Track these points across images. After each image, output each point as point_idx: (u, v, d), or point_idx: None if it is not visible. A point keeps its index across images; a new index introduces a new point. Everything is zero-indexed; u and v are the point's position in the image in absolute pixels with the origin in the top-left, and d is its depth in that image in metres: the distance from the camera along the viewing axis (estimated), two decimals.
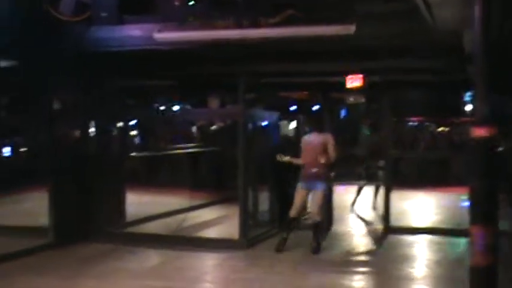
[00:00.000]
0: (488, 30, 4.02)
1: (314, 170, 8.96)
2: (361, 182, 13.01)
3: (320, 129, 9.17)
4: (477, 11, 4.01)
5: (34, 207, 9.72)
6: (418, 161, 17.78)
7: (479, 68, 4.02)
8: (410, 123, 22.30)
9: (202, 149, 15.96)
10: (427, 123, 21.96)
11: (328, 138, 9.06)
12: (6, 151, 15.63)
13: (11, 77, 10.29)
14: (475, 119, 4.04)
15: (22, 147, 16.13)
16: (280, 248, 9.01)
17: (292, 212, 9.12)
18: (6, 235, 9.42)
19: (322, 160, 8.90)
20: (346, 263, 8.74)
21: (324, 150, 8.98)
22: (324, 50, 8.66)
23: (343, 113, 21.77)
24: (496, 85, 9.57)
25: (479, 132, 4.00)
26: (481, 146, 4.00)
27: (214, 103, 13.27)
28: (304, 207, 9.41)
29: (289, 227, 9.14)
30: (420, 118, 21.67)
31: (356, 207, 13.00)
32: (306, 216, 9.98)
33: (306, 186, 9.03)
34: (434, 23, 6.43)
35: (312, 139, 9.13)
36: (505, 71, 8.79)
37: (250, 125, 9.95)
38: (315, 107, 11.63)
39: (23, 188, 11.78)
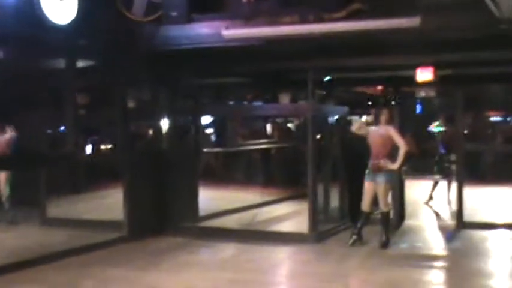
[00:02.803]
0: None
1: (375, 162, 8.98)
2: (436, 177, 12.81)
3: (387, 123, 9.10)
4: None
5: (115, 203, 10.08)
6: (494, 155, 17.32)
7: None
8: (489, 118, 21.74)
9: (275, 145, 16.09)
10: (506, 118, 21.33)
11: (390, 130, 9.02)
12: (89, 149, 16.20)
13: (88, 77, 10.76)
14: None
15: (103, 144, 16.70)
16: (354, 243, 9.05)
17: (363, 206, 9.12)
18: (85, 229, 9.87)
19: (384, 152, 8.94)
20: (415, 257, 8.67)
21: (386, 142, 8.98)
22: (392, 43, 8.60)
23: (418, 108, 21.43)
24: None
25: None
26: None
27: (285, 99, 13.35)
28: (374, 200, 9.33)
29: (361, 222, 9.13)
30: (499, 112, 21.08)
31: (431, 202, 12.81)
32: (377, 212, 9.92)
33: (371, 179, 9.03)
34: (500, 12, 6.30)
35: (375, 131, 9.10)
36: None
37: (319, 121, 9.99)
38: (387, 102, 11.49)
39: (108, 184, 12.22)
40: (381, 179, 8.95)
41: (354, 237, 9.10)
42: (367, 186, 9.05)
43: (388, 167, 8.95)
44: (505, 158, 16.86)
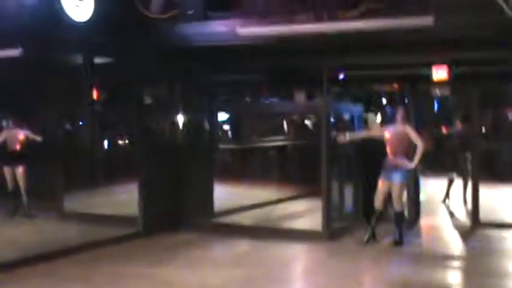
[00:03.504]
0: None
1: (392, 159, 8.95)
2: (451, 175, 12.73)
3: (403, 121, 9.04)
4: None
5: (131, 198, 10.19)
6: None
7: None
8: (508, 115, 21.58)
9: (291, 142, 16.12)
10: None
11: (407, 128, 8.96)
12: (106, 143, 16.35)
13: (106, 73, 10.88)
14: None
15: (120, 140, 16.85)
16: (368, 240, 9.06)
17: (376, 203, 9.11)
18: (101, 224, 9.98)
19: (401, 150, 8.92)
20: (429, 256, 8.65)
21: (403, 140, 8.94)
22: (406, 42, 8.61)
23: (436, 106, 21.36)
24: None
25: None
26: None
27: (300, 96, 13.37)
28: (388, 197, 9.32)
29: (375, 219, 9.13)
30: None
31: (448, 201, 12.76)
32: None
33: (386, 177, 8.99)
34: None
35: (392, 130, 9.06)
36: None
37: (334, 118, 10.02)
38: (404, 100, 11.51)
39: (124, 179, 12.35)
40: (397, 178, 8.92)
41: (368, 234, 9.11)
42: (381, 184, 9.03)
43: (406, 165, 8.93)
44: None
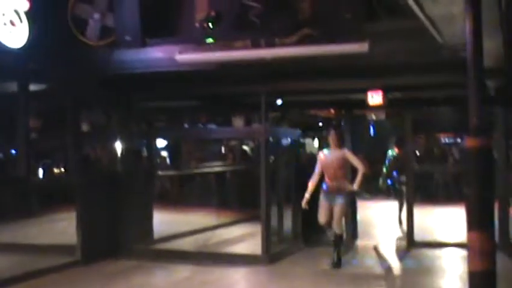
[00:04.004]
0: (480, 43, 4.18)
1: (333, 184, 9.09)
2: (401, 198, 12.86)
3: (339, 145, 9.24)
4: (468, 24, 4.19)
5: (68, 226, 10.02)
6: (445, 176, 17.76)
7: (470, 79, 4.17)
8: (442, 140, 22.29)
9: (230, 168, 16.19)
10: (457, 139, 21.86)
11: (346, 153, 9.19)
12: (41, 172, 16.07)
13: (41, 101, 10.72)
14: (469, 130, 4.19)
15: (56, 168, 16.59)
16: (336, 265, 9.03)
17: (321, 220, 9.17)
18: (37, 253, 9.76)
19: (341, 174, 9.07)
20: (367, 276, 8.81)
21: (343, 165, 9.13)
22: (342, 68, 8.85)
23: (372, 130, 21.86)
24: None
25: (473, 143, 4.15)
26: (475, 156, 4.15)
27: (238, 122, 13.51)
28: (331, 218, 9.30)
29: (336, 242, 9.11)
30: (450, 134, 21.63)
31: (401, 224, 12.70)
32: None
33: (328, 200, 9.11)
34: (442, 38, 6.58)
35: (330, 154, 9.24)
36: None
37: (273, 143, 10.14)
38: (338, 125, 11.76)
39: (61, 208, 12.12)
40: (340, 201, 9.05)
41: (334, 259, 9.06)
42: (323, 204, 9.13)
43: (349, 188, 9.11)
44: (456, 178, 17.30)
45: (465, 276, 7.85)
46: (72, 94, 9.71)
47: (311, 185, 9.26)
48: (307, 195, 9.23)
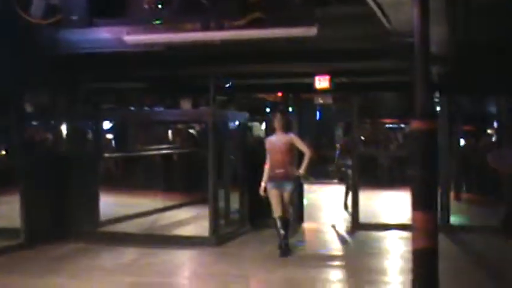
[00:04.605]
0: (426, 30, 4.29)
1: (281, 170, 8.91)
2: (348, 182, 13.01)
3: (285, 130, 9.12)
4: (415, 11, 4.29)
5: (11, 210, 9.83)
6: (389, 160, 18.16)
7: (418, 63, 4.29)
8: (387, 125, 22.74)
9: (176, 151, 16.15)
10: (401, 125, 22.32)
11: (293, 138, 9.11)
12: None
13: None
14: (415, 113, 4.31)
15: None
16: (284, 254, 8.76)
17: (276, 213, 8.92)
18: None
19: (289, 159, 8.99)
20: (313, 257, 9.00)
21: (290, 149, 9.01)
22: (290, 52, 8.93)
23: (318, 115, 22.11)
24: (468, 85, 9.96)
25: (418, 125, 4.28)
26: (419, 138, 4.28)
27: (186, 105, 13.46)
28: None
29: (283, 228, 8.87)
30: (394, 119, 22.06)
31: (346, 207, 12.84)
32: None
33: (276, 186, 8.93)
34: (390, 24, 6.69)
35: (277, 139, 9.10)
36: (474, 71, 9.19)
37: (220, 126, 10.17)
38: (288, 109, 11.84)
39: (3, 190, 11.86)
40: (288, 187, 8.94)
41: (282, 245, 8.83)
42: (274, 193, 8.92)
43: (296, 173, 9.02)
44: (399, 163, 17.71)
45: (407, 256, 8.15)
46: (16, 74, 9.48)
47: (265, 173, 9.03)
48: (263, 183, 9.02)
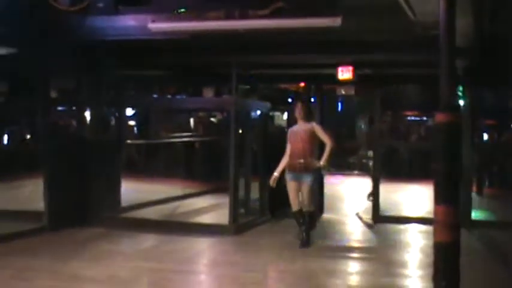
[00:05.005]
0: (452, 22, 4.27)
1: (301, 160, 8.73)
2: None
3: (307, 119, 8.96)
4: (441, 3, 4.27)
5: (34, 193, 9.96)
6: (410, 153, 18.06)
7: (443, 56, 4.27)
8: (409, 118, 22.64)
9: (198, 139, 16.21)
10: (423, 118, 22.20)
11: (314, 126, 8.91)
12: (6, 138, 15.89)
13: (9, 65, 10.55)
14: (440, 106, 4.30)
15: (24, 134, 16.40)
16: (305, 243, 8.72)
17: (294, 207, 8.84)
18: (3, 219, 9.67)
19: (310, 149, 8.81)
20: (332, 249, 8.99)
21: (312, 138, 8.82)
22: (313, 42, 8.91)
23: (340, 106, 22.05)
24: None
25: (442, 118, 4.26)
26: (443, 131, 4.27)
27: (209, 93, 13.47)
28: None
29: (303, 222, 8.82)
30: (417, 112, 21.95)
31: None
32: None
33: (294, 178, 8.78)
34: (415, 16, 6.66)
35: (298, 128, 8.93)
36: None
37: (242, 115, 10.19)
38: (310, 99, 11.82)
39: (26, 174, 12.00)
40: (309, 178, 8.70)
41: (303, 239, 8.75)
42: (292, 186, 8.81)
43: (316, 165, 8.77)
44: (421, 156, 17.59)
45: (427, 249, 8.16)
46: (42, 59, 9.58)
47: (282, 163, 8.92)
48: (276, 173, 8.93)
